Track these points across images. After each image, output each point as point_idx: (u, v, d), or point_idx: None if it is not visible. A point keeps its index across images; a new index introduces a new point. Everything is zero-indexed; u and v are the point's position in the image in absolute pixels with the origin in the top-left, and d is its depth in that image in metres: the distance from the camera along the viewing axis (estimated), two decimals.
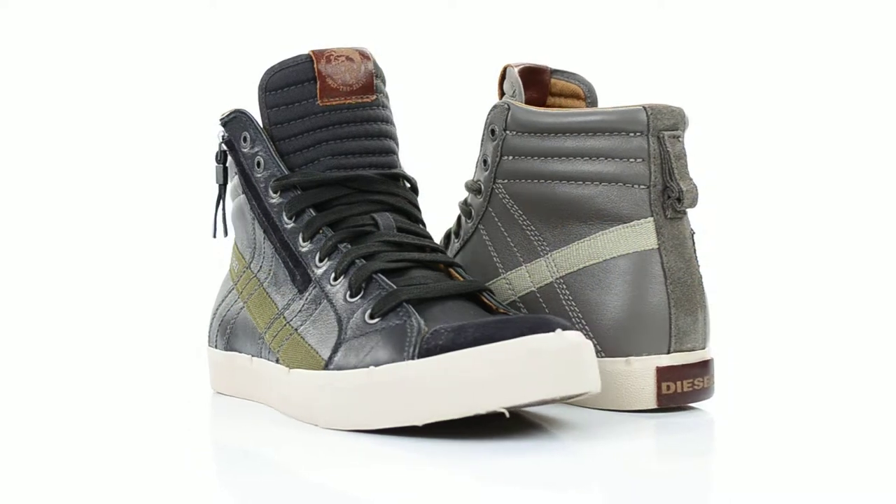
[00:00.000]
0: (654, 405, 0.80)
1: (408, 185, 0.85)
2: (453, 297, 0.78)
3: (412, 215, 0.84)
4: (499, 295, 0.86)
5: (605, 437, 0.76)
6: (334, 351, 0.77)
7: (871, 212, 1.42)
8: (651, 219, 0.81)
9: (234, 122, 0.85)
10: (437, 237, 0.91)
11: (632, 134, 0.81)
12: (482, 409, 0.71)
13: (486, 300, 0.80)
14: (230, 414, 0.85)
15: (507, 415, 0.72)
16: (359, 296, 0.78)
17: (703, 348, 0.82)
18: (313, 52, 0.83)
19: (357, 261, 0.79)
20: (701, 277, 0.82)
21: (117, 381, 0.97)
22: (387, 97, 0.85)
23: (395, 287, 0.77)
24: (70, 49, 1.39)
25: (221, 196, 0.87)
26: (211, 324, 0.90)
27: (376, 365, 0.75)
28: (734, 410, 0.84)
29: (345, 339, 0.77)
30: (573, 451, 0.74)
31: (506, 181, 0.86)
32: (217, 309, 0.89)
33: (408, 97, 0.94)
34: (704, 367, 0.82)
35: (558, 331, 0.72)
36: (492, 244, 0.87)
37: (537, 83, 0.88)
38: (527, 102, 0.87)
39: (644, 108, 0.81)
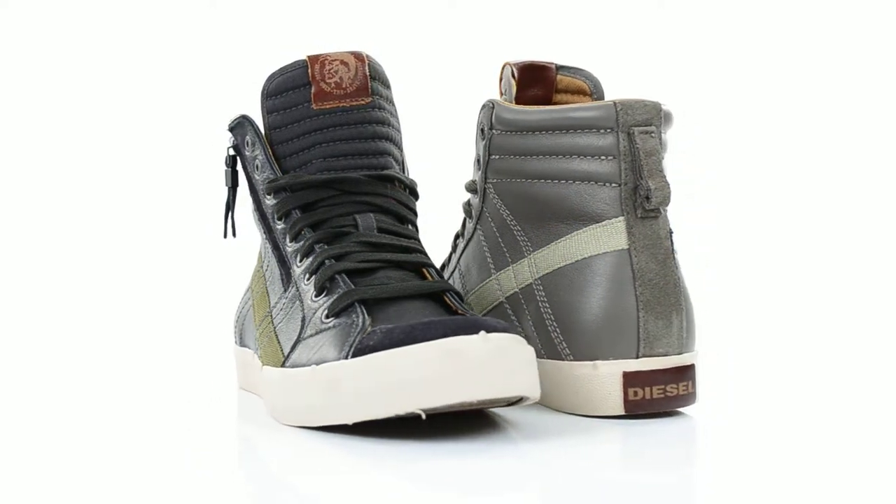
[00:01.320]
0: (621, 411, 0.77)
1: (403, 186, 0.84)
2: (413, 298, 0.78)
3: (400, 216, 0.83)
4: (488, 296, 0.85)
5: (561, 440, 0.74)
6: (293, 348, 0.79)
7: (873, 214, 1.34)
8: (622, 218, 0.78)
9: (239, 127, 0.87)
10: (444, 238, 0.90)
11: (602, 131, 0.78)
12: (401, 410, 0.71)
13: (448, 301, 0.79)
14: (232, 411, 0.87)
15: (424, 416, 0.71)
16: (322, 295, 0.79)
17: (679, 354, 0.78)
18: (309, 57, 0.84)
19: (327, 261, 0.80)
20: (678, 279, 0.78)
21: (153, 378, 1.00)
22: (386, 99, 0.85)
23: (352, 287, 0.78)
24: (103, 61, 1.41)
25: (231, 198, 0.90)
26: (234, 321, 0.93)
27: (318, 364, 0.75)
28: (713, 419, 0.80)
29: (303, 337, 0.78)
30: (523, 452, 0.72)
31: (495, 180, 0.84)
32: (238, 306, 0.92)
33: (412, 98, 0.94)
34: (679, 373, 0.78)
35: (482, 333, 0.71)
36: (486, 244, 0.85)
37: (542, 80, 0.86)
38: (532, 100, 0.85)
39: (614, 103, 0.78)
